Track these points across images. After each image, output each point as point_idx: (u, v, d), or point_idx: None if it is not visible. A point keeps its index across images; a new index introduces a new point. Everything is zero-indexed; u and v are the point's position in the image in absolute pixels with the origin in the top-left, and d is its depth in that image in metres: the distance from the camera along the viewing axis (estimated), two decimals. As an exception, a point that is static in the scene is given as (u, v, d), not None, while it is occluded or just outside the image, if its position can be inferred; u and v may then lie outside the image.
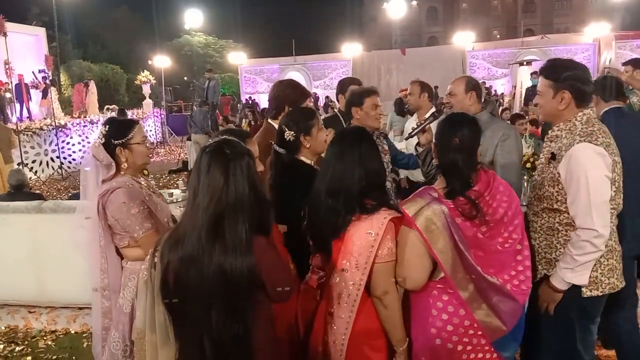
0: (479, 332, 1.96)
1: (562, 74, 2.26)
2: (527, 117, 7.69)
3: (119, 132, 2.47)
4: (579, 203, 2.16)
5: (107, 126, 2.49)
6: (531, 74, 12.72)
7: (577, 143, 2.18)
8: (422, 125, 3.07)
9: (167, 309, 1.72)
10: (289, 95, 3.06)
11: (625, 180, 2.31)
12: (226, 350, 1.66)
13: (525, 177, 4.52)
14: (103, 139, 2.46)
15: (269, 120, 3.11)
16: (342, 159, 2.04)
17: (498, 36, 44.95)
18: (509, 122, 6.68)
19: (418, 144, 3.21)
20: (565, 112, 2.27)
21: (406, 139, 3.40)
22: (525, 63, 14.18)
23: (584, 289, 2.24)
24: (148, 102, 18.92)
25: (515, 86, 16.16)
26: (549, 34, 27.23)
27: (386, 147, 3.43)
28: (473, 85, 3.08)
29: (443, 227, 1.92)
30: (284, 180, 2.51)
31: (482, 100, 3.22)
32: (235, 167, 1.65)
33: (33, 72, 15.39)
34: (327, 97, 21.10)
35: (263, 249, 1.68)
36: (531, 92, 11.76)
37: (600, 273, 2.24)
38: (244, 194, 1.64)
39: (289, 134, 2.45)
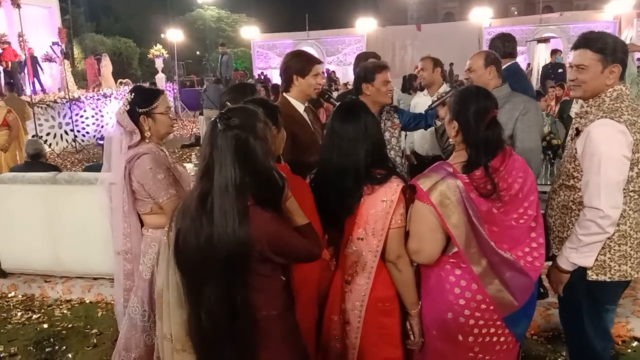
0: (491, 307, 1.95)
1: (612, 46, 2.13)
2: (546, 95, 7.59)
3: (144, 101, 2.52)
4: (589, 181, 2.10)
5: (133, 94, 2.54)
6: (552, 51, 12.42)
7: (598, 119, 2.10)
8: (443, 98, 3.02)
9: (180, 273, 1.75)
10: (292, 65, 2.97)
11: None
12: (221, 323, 1.66)
13: (541, 156, 4.47)
14: (128, 106, 2.51)
15: (284, 94, 3.08)
16: (346, 135, 2.02)
17: (516, 13, 43.99)
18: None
19: (437, 117, 3.17)
20: (610, 87, 2.16)
21: (426, 111, 3.35)
22: (543, 40, 13.88)
23: (589, 272, 2.18)
24: (161, 77, 18.89)
25: (530, 64, 15.87)
26: (568, 11, 26.61)
27: (397, 122, 3.39)
28: (492, 60, 3.02)
29: (457, 202, 1.90)
30: None
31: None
32: (221, 140, 1.62)
33: (51, 46, 15.39)
34: (332, 71, 20.83)
35: (266, 222, 1.64)
36: (550, 70, 11.52)
37: (609, 258, 2.16)
38: (228, 167, 1.60)
39: None
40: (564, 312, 2.49)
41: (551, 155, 5.01)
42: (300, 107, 3.02)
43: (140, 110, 2.50)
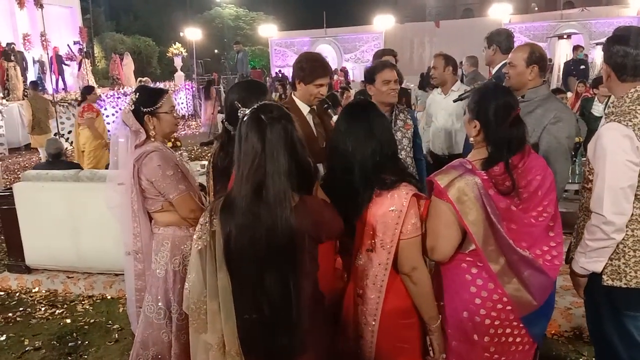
0: (508, 307, 1.93)
1: (609, 47, 2.12)
2: (568, 92, 7.52)
3: (148, 101, 2.53)
4: (595, 186, 2.07)
5: (138, 94, 2.55)
6: (574, 47, 12.22)
7: (608, 122, 2.07)
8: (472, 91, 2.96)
9: (230, 274, 1.73)
10: (299, 69, 2.94)
11: None
12: (283, 310, 1.69)
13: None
14: (133, 106, 2.52)
15: (292, 94, 3.07)
16: (353, 133, 1.96)
17: (536, 8, 43.26)
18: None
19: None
20: (613, 86, 2.16)
21: (454, 101, 3.27)
22: (565, 37, 13.65)
23: (604, 277, 2.14)
24: (179, 75, 19.08)
25: (551, 59, 15.63)
26: (590, 7, 26.14)
27: (410, 122, 3.36)
28: (537, 58, 2.67)
29: (475, 199, 1.89)
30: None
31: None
32: (271, 132, 1.66)
33: (68, 45, 15.64)
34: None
35: (321, 207, 1.75)
36: (572, 66, 11.34)
37: (624, 263, 2.09)
38: (280, 158, 1.65)
39: (243, 112, 1.91)
40: (588, 315, 2.45)
41: (573, 153, 4.93)
42: (305, 109, 3.00)
43: (145, 109, 2.50)
